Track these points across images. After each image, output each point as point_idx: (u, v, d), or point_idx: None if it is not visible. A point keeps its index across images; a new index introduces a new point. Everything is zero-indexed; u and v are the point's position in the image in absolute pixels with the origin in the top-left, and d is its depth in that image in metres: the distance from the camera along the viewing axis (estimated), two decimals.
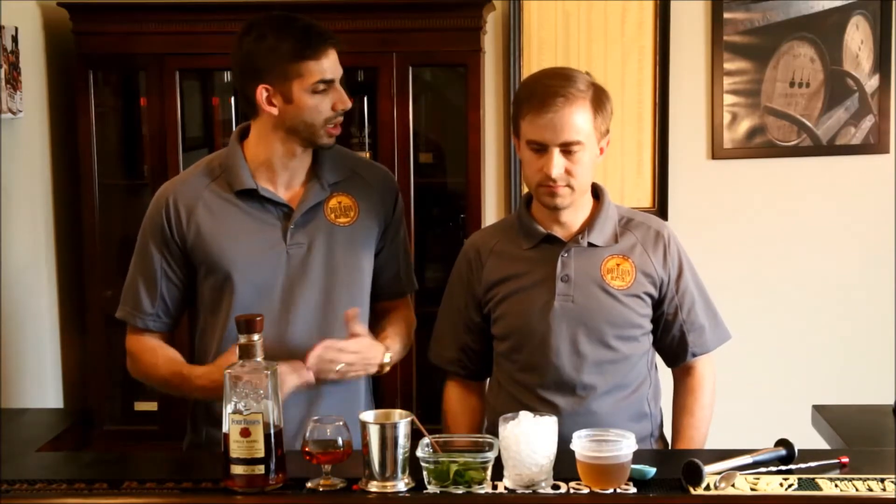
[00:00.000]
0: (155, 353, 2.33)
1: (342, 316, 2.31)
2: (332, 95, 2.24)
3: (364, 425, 1.90)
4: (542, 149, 2.19)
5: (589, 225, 2.29)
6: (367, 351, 2.25)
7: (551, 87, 2.19)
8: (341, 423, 1.93)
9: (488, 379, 2.45)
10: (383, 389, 3.31)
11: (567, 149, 2.18)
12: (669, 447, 2.40)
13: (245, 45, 2.25)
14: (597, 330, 2.25)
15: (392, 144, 3.49)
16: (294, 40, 2.21)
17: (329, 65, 2.23)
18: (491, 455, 1.90)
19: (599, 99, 2.22)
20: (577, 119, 2.18)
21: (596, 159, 2.25)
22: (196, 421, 2.40)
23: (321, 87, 2.22)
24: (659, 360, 2.41)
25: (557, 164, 2.17)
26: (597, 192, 2.34)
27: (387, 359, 2.29)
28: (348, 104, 2.26)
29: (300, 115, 2.23)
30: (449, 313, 2.42)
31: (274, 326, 2.21)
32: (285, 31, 2.22)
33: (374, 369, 2.28)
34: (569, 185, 2.20)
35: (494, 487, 1.91)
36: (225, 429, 1.88)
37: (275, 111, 2.24)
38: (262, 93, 2.23)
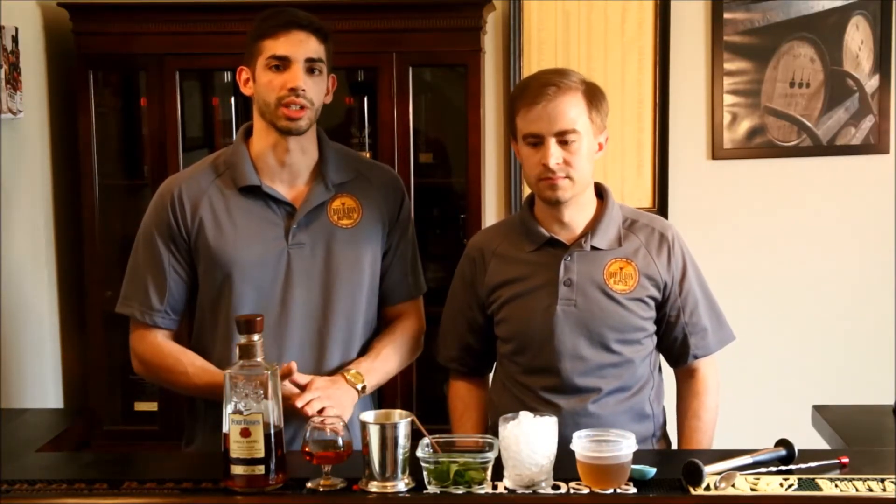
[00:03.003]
0: (179, 360, 2.30)
1: (341, 318, 2.32)
2: (286, 75, 2.23)
3: (364, 425, 1.90)
4: (538, 141, 2.20)
5: (592, 227, 2.29)
6: (338, 397, 2.22)
7: (543, 79, 2.23)
8: (341, 423, 1.93)
9: (491, 375, 2.45)
10: (384, 389, 3.30)
11: (563, 138, 2.18)
12: (672, 447, 2.40)
13: None
14: (599, 334, 2.25)
15: (392, 144, 3.50)
16: (261, 20, 2.27)
17: (286, 43, 2.22)
18: (491, 455, 1.90)
19: (593, 93, 2.23)
20: (571, 109, 2.19)
21: (594, 154, 2.25)
22: (195, 417, 2.40)
23: (273, 62, 2.23)
24: (662, 360, 2.41)
25: (555, 153, 2.18)
26: (601, 192, 2.34)
27: (359, 387, 2.27)
28: (297, 83, 2.21)
29: (260, 94, 2.27)
30: (452, 313, 2.42)
31: (272, 327, 2.21)
32: (261, 16, 2.28)
33: (349, 411, 2.23)
34: (568, 177, 2.20)
35: (494, 487, 1.91)
36: (225, 429, 1.88)
37: (249, 92, 2.30)
38: (240, 74, 2.31)
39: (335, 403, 2.18)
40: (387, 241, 2.40)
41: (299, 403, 2.15)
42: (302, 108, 2.23)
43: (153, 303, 2.32)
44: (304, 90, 2.22)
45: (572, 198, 2.24)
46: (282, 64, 2.23)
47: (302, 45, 2.23)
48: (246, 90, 2.31)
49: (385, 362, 2.36)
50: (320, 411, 2.14)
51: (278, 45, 2.22)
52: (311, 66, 2.24)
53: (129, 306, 2.35)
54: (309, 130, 2.30)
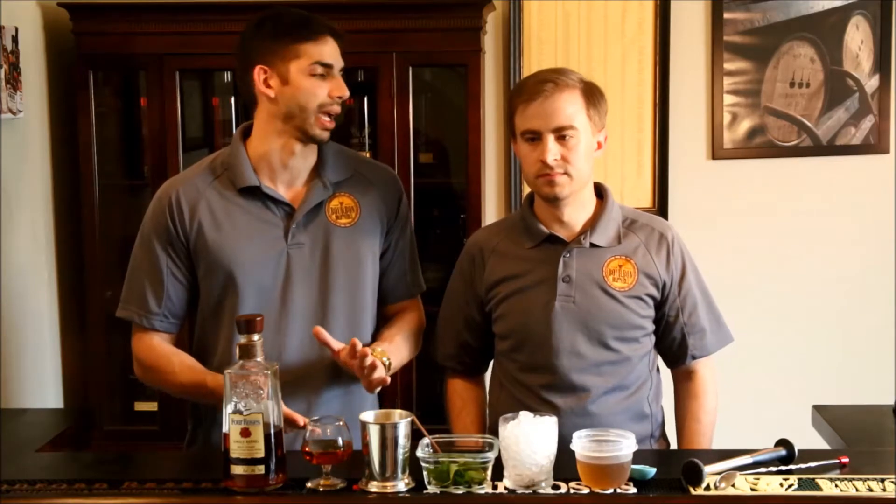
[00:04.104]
0: (170, 360, 2.30)
1: (340, 318, 2.31)
2: (330, 82, 2.24)
3: (364, 425, 1.90)
4: (536, 137, 2.21)
5: (592, 225, 2.29)
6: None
7: (541, 76, 2.24)
8: (341, 423, 1.93)
9: (489, 375, 2.45)
10: (384, 389, 3.30)
11: (560, 135, 2.19)
12: (671, 447, 2.40)
13: (246, 34, 2.29)
14: (597, 331, 2.25)
15: (392, 144, 3.49)
16: (293, 23, 2.25)
17: (329, 50, 2.24)
18: (491, 455, 1.90)
19: (592, 92, 2.24)
20: (568, 105, 2.20)
21: (593, 152, 2.26)
22: (198, 418, 2.40)
23: (319, 69, 2.22)
24: (660, 360, 2.41)
25: (552, 149, 2.19)
26: (601, 191, 2.35)
27: (386, 362, 2.24)
28: (345, 93, 2.24)
29: (296, 98, 2.23)
30: (450, 310, 2.43)
31: (272, 326, 2.21)
32: (285, 17, 2.26)
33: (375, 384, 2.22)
34: (566, 173, 2.21)
35: (494, 487, 1.91)
36: (225, 429, 1.88)
37: (272, 93, 2.24)
38: (259, 74, 2.24)
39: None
40: (385, 240, 2.40)
41: (336, 345, 2.17)
42: (334, 117, 2.26)
43: (150, 306, 2.32)
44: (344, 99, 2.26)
45: (570, 195, 2.24)
46: (326, 71, 2.23)
47: (337, 53, 2.26)
48: (266, 91, 2.24)
49: (399, 348, 2.34)
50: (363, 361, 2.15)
51: (324, 52, 2.23)
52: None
53: (127, 310, 2.35)
54: None
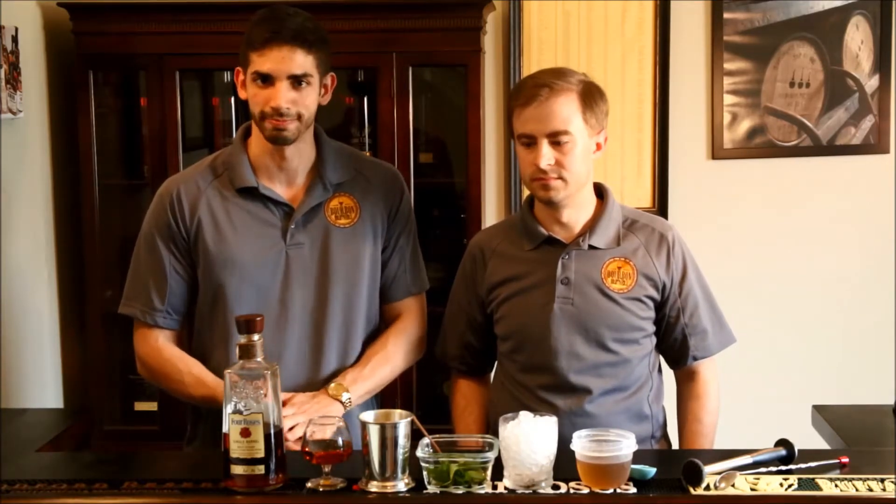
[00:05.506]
0: (177, 367, 2.30)
1: (338, 317, 2.31)
2: (269, 91, 2.20)
3: (364, 425, 1.90)
4: (531, 141, 2.20)
5: (591, 226, 2.29)
6: (317, 410, 2.20)
7: (538, 79, 2.23)
8: (341, 424, 1.93)
9: (492, 374, 2.46)
10: (384, 389, 3.30)
11: (555, 139, 2.18)
12: (673, 448, 2.40)
13: None
14: (595, 333, 2.25)
15: (392, 144, 3.49)
16: (253, 27, 2.24)
17: (269, 61, 2.19)
18: (491, 455, 1.90)
19: (590, 93, 2.23)
20: (563, 109, 2.18)
21: (590, 155, 2.25)
22: (198, 417, 2.40)
23: (256, 78, 2.21)
24: (663, 361, 2.41)
25: (546, 154, 2.18)
26: (601, 192, 2.34)
27: (345, 398, 2.27)
28: (278, 103, 2.19)
29: (250, 103, 2.26)
30: (453, 311, 2.43)
31: (271, 326, 2.21)
32: (255, 19, 2.25)
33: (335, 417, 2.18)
34: (560, 178, 2.20)
35: (494, 487, 1.91)
36: (225, 429, 1.88)
37: (245, 95, 2.28)
38: (237, 75, 2.30)
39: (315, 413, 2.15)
40: (385, 237, 2.40)
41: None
42: (287, 119, 2.21)
43: (154, 303, 2.32)
44: (287, 107, 2.20)
45: (567, 197, 2.24)
46: (265, 80, 2.21)
47: (285, 62, 2.19)
48: (242, 93, 2.29)
49: (375, 370, 2.34)
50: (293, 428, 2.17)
51: (262, 62, 2.19)
52: (296, 80, 2.21)
53: (130, 307, 2.35)
54: (306, 132, 2.29)
